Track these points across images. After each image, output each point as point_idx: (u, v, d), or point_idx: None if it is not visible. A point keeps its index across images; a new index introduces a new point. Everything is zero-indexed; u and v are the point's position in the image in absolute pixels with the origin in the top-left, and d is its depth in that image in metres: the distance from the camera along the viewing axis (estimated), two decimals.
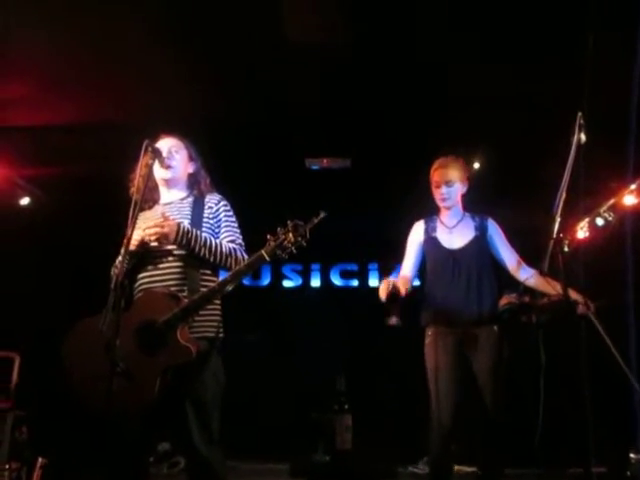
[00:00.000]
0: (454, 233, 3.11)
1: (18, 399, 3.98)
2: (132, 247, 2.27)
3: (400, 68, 3.83)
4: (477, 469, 2.98)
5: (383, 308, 2.82)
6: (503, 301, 2.92)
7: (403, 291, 2.79)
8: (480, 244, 3.09)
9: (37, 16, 3.29)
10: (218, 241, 2.43)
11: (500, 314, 2.89)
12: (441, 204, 3.15)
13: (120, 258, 2.41)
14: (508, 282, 3.11)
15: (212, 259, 2.37)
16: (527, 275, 3.00)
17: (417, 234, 3.20)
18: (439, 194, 3.13)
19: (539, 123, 4.06)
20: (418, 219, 3.27)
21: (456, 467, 4.34)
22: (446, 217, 3.17)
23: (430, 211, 3.28)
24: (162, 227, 2.30)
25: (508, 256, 3.13)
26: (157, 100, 4.07)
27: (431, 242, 3.12)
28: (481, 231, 3.12)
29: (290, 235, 2.17)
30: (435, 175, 3.14)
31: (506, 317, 2.87)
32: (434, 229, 3.15)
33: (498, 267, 3.13)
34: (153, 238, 2.31)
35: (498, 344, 2.90)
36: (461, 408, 2.87)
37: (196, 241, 2.34)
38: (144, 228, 2.33)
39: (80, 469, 3.59)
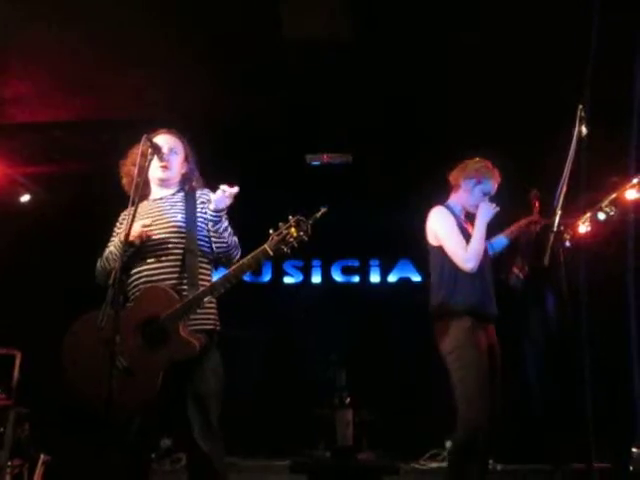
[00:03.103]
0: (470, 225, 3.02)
1: (20, 396, 3.98)
2: (132, 238, 2.26)
3: (401, 63, 3.82)
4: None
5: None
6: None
7: None
8: None
9: (41, 13, 3.29)
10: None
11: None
12: (475, 211, 3.00)
13: (113, 249, 2.42)
14: None
15: (226, 244, 2.40)
16: None
17: (452, 217, 2.96)
18: (487, 200, 2.99)
19: (540, 116, 4.04)
20: (419, 214, 3.09)
21: None
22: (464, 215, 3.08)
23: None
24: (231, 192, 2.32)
25: None
26: (159, 97, 4.07)
27: (463, 232, 2.93)
28: None
29: (292, 230, 2.18)
30: (497, 185, 3.04)
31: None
32: (461, 220, 3.00)
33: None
34: (228, 193, 2.31)
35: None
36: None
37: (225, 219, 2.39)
38: (143, 222, 2.33)
39: (82, 466, 3.59)
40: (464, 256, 2.83)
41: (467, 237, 2.90)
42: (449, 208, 3.01)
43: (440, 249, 2.93)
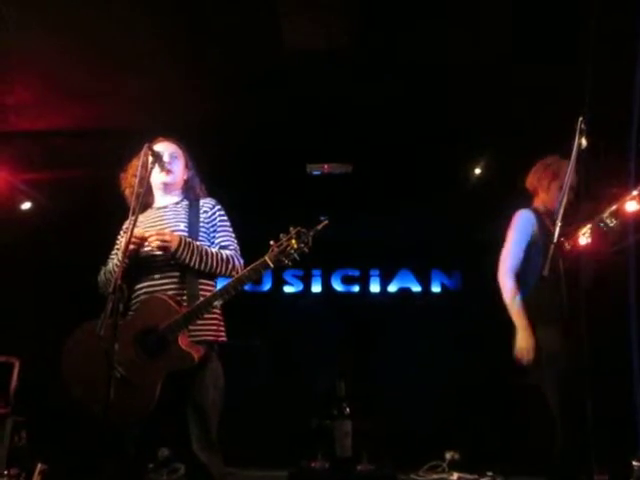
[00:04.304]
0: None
1: (17, 404, 3.96)
2: (131, 247, 2.26)
3: (400, 72, 3.83)
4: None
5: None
6: None
7: None
8: None
9: (41, 21, 3.30)
10: (214, 250, 2.42)
11: None
12: (555, 207, 2.94)
13: (115, 262, 2.41)
14: None
15: (207, 270, 2.36)
16: None
17: (531, 223, 2.94)
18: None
19: (539, 127, 4.05)
20: (420, 224, 3.17)
21: (457, 475, 4.33)
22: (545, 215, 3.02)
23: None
24: (164, 236, 2.30)
25: None
26: (159, 106, 4.08)
27: (546, 235, 2.84)
28: None
29: (293, 242, 2.19)
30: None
31: None
32: (546, 222, 2.93)
33: None
34: (154, 245, 2.30)
35: None
36: None
37: (192, 255, 2.33)
38: (146, 234, 2.33)
39: (79, 475, 3.57)
40: (507, 268, 2.89)
41: (549, 239, 2.75)
42: (535, 212, 2.99)
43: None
